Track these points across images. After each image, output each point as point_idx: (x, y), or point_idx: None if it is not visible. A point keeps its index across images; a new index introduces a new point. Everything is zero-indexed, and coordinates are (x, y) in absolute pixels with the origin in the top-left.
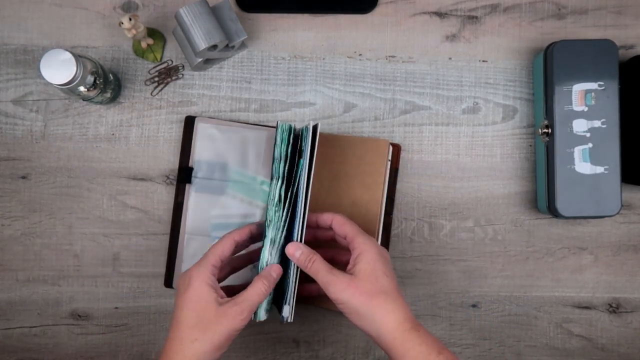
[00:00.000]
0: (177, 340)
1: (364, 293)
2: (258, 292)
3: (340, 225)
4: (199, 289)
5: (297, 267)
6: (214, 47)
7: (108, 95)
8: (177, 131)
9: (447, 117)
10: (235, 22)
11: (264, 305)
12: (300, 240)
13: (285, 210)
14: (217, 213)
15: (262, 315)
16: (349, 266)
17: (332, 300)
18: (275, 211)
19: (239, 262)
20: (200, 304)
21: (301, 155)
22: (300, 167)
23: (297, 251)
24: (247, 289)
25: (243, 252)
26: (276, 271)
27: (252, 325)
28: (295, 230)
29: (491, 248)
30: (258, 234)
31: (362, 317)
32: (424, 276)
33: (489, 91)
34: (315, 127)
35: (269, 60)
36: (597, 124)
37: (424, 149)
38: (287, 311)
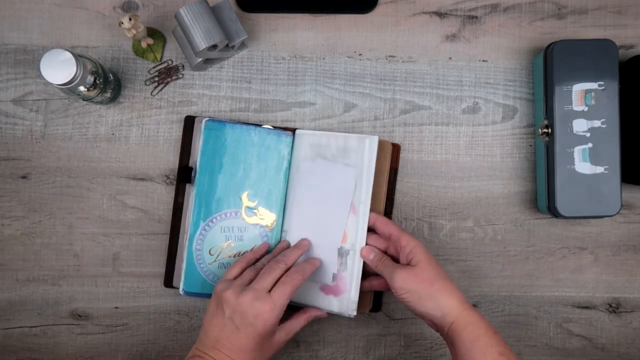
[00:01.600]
0: (220, 345)
1: (425, 279)
2: (302, 323)
3: (384, 224)
4: (270, 328)
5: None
6: (214, 47)
7: (108, 95)
8: (177, 131)
9: (447, 117)
10: (235, 22)
11: None
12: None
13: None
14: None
15: None
16: (404, 261)
17: (397, 290)
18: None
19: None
20: (266, 338)
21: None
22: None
23: (370, 254)
24: (294, 319)
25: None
26: (314, 313)
27: None
28: (360, 234)
29: (491, 248)
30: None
31: (426, 301)
32: None
33: (489, 91)
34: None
35: (269, 60)
36: (597, 124)
37: (424, 149)
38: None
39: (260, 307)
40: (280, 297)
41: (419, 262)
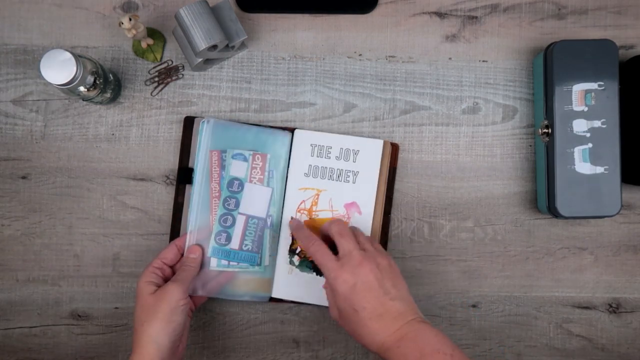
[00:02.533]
0: (134, 331)
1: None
2: (186, 269)
3: (328, 225)
4: (140, 288)
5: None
6: (214, 47)
7: (108, 95)
8: (177, 131)
9: (447, 117)
10: (235, 22)
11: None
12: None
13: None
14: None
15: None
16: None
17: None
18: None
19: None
20: (142, 297)
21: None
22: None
23: (292, 223)
24: (178, 270)
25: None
26: (194, 252)
27: (252, 325)
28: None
29: (491, 248)
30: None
31: (351, 331)
32: (424, 276)
33: (489, 91)
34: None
35: (269, 60)
36: (597, 124)
37: (423, 149)
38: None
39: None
40: (143, 271)
41: (335, 293)
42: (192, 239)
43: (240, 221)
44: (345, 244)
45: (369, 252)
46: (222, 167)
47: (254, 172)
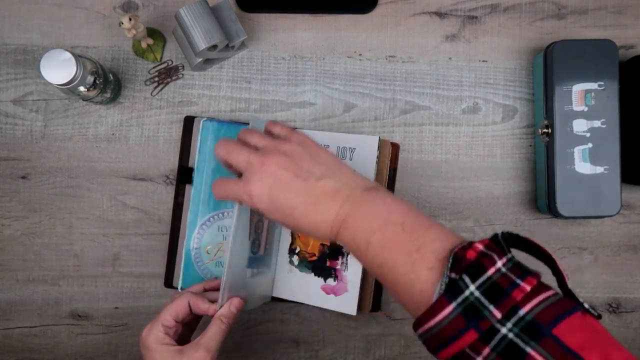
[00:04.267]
0: None
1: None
2: (218, 330)
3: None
4: (156, 350)
5: None
6: (214, 47)
7: (108, 95)
8: (177, 131)
9: (447, 117)
10: (235, 22)
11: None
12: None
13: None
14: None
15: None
16: None
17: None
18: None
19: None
20: None
21: None
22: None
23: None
24: (207, 329)
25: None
26: (237, 306)
27: (252, 325)
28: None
29: None
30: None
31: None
32: None
33: (489, 91)
34: None
35: (269, 60)
36: (597, 124)
37: (424, 149)
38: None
39: (142, 337)
40: (150, 326)
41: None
42: (227, 286)
43: (266, 225)
44: (236, 158)
45: (267, 147)
46: None
47: None
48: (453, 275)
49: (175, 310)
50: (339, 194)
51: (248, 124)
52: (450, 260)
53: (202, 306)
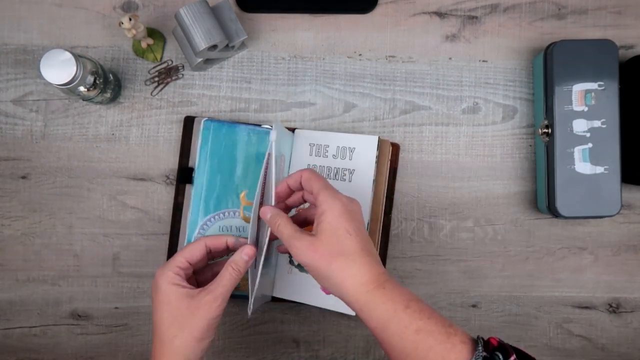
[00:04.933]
0: (158, 341)
1: (323, 255)
2: (229, 277)
3: (307, 180)
4: (166, 290)
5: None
6: (214, 47)
7: (108, 95)
8: (177, 131)
9: (447, 117)
10: (235, 22)
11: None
12: (273, 204)
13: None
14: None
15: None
16: (314, 225)
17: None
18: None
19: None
20: (171, 303)
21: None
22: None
23: (268, 213)
24: (219, 275)
25: (225, 258)
26: (248, 253)
27: (252, 325)
28: (270, 195)
29: (491, 248)
30: (234, 249)
31: (324, 279)
32: (424, 276)
33: (489, 91)
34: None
35: (269, 60)
36: (597, 124)
37: (424, 149)
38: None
39: (154, 279)
40: (163, 267)
41: (322, 232)
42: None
43: (266, 226)
44: (330, 192)
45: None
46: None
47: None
48: (485, 354)
49: (190, 251)
50: (380, 262)
51: (248, 124)
52: (481, 342)
53: (220, 240)
